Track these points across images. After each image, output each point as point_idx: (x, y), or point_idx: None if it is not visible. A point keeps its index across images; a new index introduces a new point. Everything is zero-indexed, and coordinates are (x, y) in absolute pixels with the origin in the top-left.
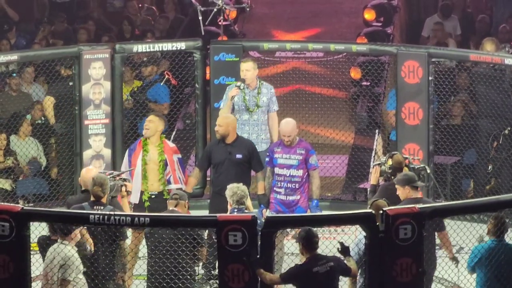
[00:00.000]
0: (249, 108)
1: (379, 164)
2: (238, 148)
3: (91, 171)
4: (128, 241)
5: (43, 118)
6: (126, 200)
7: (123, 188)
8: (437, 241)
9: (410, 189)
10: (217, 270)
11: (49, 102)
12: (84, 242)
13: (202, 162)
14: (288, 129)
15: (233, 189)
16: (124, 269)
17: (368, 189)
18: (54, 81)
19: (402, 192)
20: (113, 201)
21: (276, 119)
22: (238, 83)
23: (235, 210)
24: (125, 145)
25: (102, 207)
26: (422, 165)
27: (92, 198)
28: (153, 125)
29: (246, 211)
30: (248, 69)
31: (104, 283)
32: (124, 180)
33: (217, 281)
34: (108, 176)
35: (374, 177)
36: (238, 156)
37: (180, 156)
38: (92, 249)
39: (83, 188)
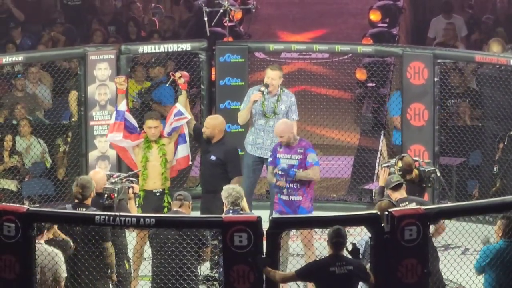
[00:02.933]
0: (265, 114)
1: (388, 166)
2: (216, 150)
3: (98, 173)
4: (134, 242)
5: (39, 117)
6: (133, 202)
7: (130, 190)
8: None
9: (392, 192)
10: (214, 271)
11: (72, 96)
12: (68, 241)
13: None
14: (279, 129)
15: (228, 190)
16: (111, 269)
17: (374, 190)
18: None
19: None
20: (120, 203)
21: (294, 128)
22: (262, 88)
23: (230, 211)
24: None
25: (84, 209)
26: (432, 168)
27: (75, 200)
28: (157, 130)
29: (241, 212)
30: (274, 78)
31: (88, 284)
32: (132, 182)
33: (215, 283)
34: (116, 179)
35: (382, 178)
36: (212, 157)
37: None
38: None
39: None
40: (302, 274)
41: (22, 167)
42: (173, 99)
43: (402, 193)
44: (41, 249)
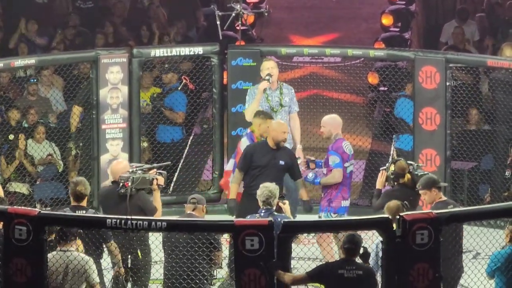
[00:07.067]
0: (273, 108)
1: (385, 169)
2: (282, 154)
3: (120, 163)
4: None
5: (54, 122)
6: (158, 194)
7: (155, 181)
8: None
9: (438, 191)
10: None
11: (75, 110)
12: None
13: (245, 165)
14: (323, 119)
15: (261, 189)
16: (119, 264)
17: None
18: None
19: (429, 195)
20: (140, 193)
21: (298, 120)
22: (267, 77)
23: (263, 211)
24: (142, 149)
25: (84, 211)
26: (425, 172)
27: (73, 202)
28: None
29: (274, 212)
30: (273, 66)
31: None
32: (160, 174)
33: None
34: (135, 169)
35: (379, 181)
36: (281, 162)
37: None
38: None
39: (112, 179)
40: (312, 275)
41: (34, 170)
42: (184, 107)
43: (442, 195)
44: (73, 256)
